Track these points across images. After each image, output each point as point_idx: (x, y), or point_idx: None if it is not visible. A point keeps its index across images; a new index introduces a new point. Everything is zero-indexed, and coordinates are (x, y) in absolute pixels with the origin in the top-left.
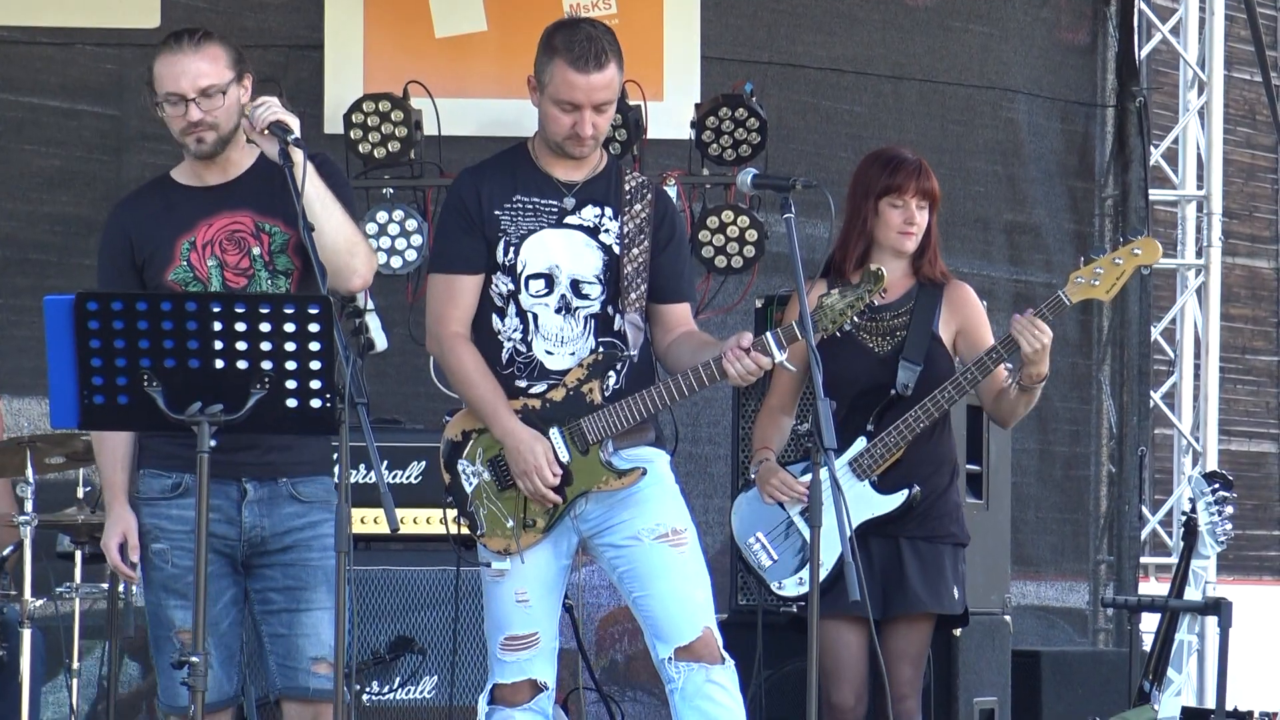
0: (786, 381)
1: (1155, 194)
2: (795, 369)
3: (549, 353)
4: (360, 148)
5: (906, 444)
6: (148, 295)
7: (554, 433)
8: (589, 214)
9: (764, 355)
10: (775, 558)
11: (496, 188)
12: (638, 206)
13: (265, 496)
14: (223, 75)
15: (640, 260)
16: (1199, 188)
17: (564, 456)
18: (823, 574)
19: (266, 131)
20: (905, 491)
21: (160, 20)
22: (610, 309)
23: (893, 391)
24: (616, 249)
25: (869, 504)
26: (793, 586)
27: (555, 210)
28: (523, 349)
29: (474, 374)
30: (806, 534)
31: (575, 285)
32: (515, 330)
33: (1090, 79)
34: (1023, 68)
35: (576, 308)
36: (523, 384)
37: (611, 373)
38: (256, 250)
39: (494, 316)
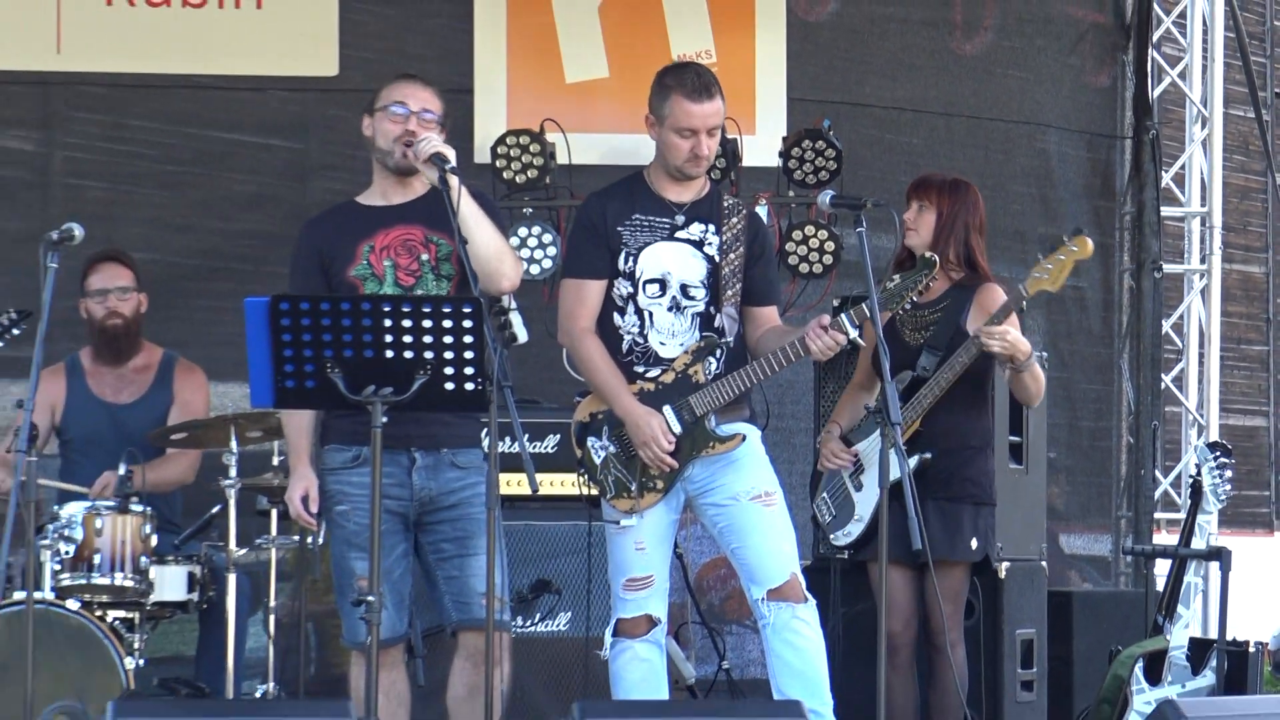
0: (864, 361)
1: (1166, 211)
2: (865, 344)
3: (662, 344)
4: (504, 175)
5: (919, 417)
6: (330, 298)
7: (666, 409)
8: (695, 229)
9: (840, 332)
10: (834, 513)
11: (619, 207)
12: (734, 220)
13: (431, 464)
14: (437, 110)
15: (735, 264)
16: (1202, 205)
17: (676, 428)
18: (861, 527)
19: (428, 161)
20: (917, 458)
21: (338, 69)
22: (712, 308)
23: (912, 373)
24: (717, 258)
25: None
26: (841, 537)
27: (667, 226)
28: (640, 341)
29: (599, 362)
30: (853, 494)
31: (684, 288)
32: (634, 325)
33: (1111, 115)
34: (1054, 106)
35: (685, 307)
36: (640, 369)
37: (712, 358)
38: (425, 256)
39: (615, 314)
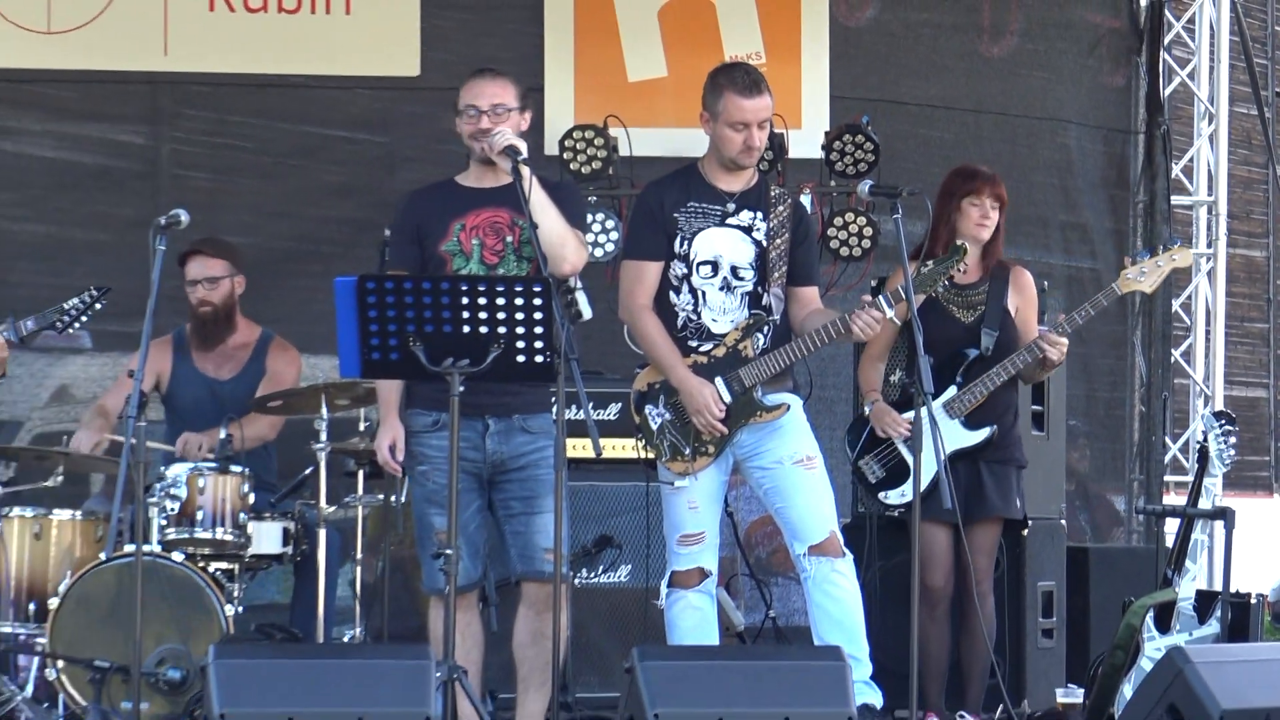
0: (885, 336)
1: (1175, 199)
2: (899, 323)
3: (714, 320)
4: (571, 166)
5: (989, 393)
6: (412, 277)
7: (718, 381)
8: (744, 216)
9: (877, 311)
10: (883, 475)
11: (676, 196)
12: (780, 208)
13: (503, 429)
14: (510, 100)
15: (781, 249)
16: (1209, 195)
17: (726, 398)
18: (921, 489)
19: (501, 154)
20: (989, 429)
21: (420, 70)
22: (760, 288)
23: (975, 351)
24: (764, 243)
25: (960, 437)
26: (895, 497)
27: (719, 213)
28: (694, 318)
29: (656, 337)
30: (907, 457)
31: (734, 270)
32: (688, 304)
33: (1125, 112)
34: (1074, 104)
35: (735, 287)
36: (694, 344)
37: (760, 334)
38: (509, 238)
39: (671, 293)
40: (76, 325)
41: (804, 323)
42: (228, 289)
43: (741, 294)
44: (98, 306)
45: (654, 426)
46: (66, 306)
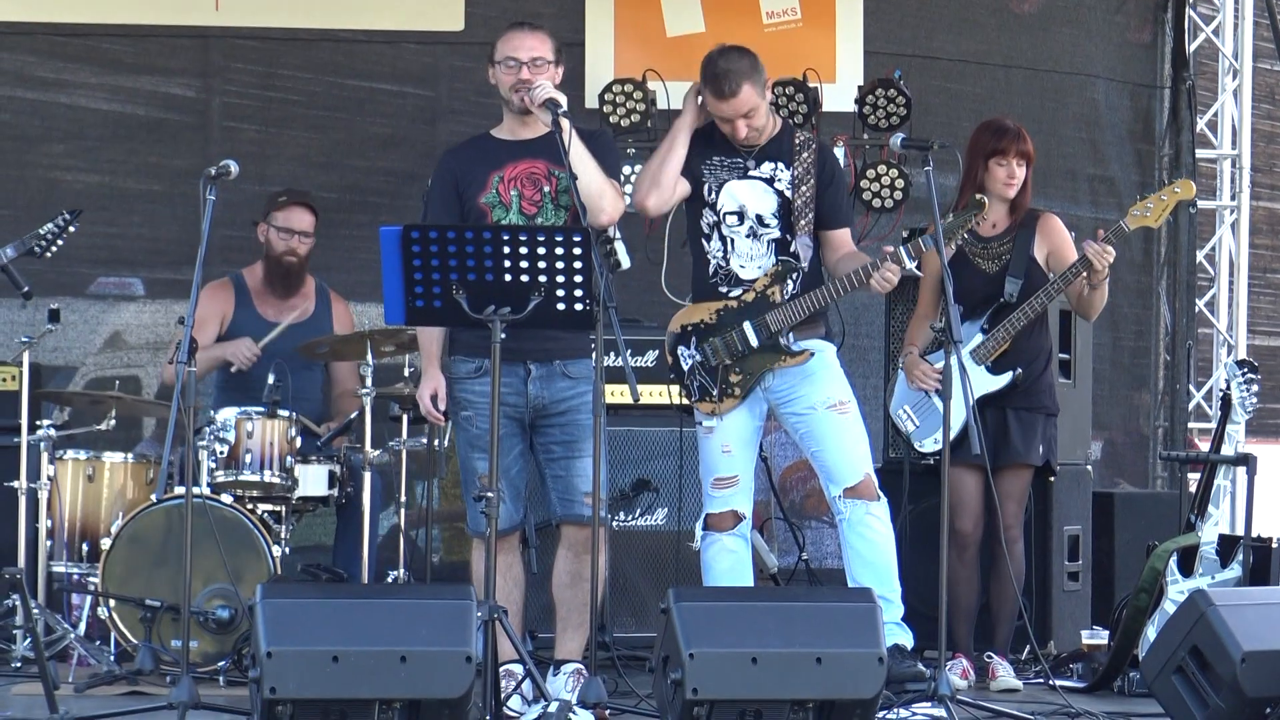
0: (930, 294)
1: (1200, 153)
2: (921, 274)
3: (742, 267)
4: (611, 119)
5: (1012, 338)
6: (456, 226)
7: (746, 325)
8: (766, 168)
9: (896, 263)
10: (918, 423)
11: (699, 149)
12: (804, 155)
13: (544, 375)
14: (547, 54)
15: (807, 195)
16: (1232, 148)
17: (754, 342)
18: (951, 435)
19: (542, 106)
20: (1011, 373)
21: (464, 25)
22: (787, 235)
23: (1001, 299)
24: (788, 192)
25: (985, 382)
26: (930, 444)
27: (740, 166)
28: (724, 264)
29: (659, 150)
30: (938, 405)
31: (759, 219)
32: (718, 250)
33: (1152, 67)
34: (1102, 59)
35: (762, 234)
36: (724, 290)
37: (789, 280)
38: (547, 188)
39: (703, 240)
40: (54, 249)
41: (836, 266)
42: (310, 246)
43: (769, 241)
44: (71, 229)
45: (685, 367)
46: (42, 232)
